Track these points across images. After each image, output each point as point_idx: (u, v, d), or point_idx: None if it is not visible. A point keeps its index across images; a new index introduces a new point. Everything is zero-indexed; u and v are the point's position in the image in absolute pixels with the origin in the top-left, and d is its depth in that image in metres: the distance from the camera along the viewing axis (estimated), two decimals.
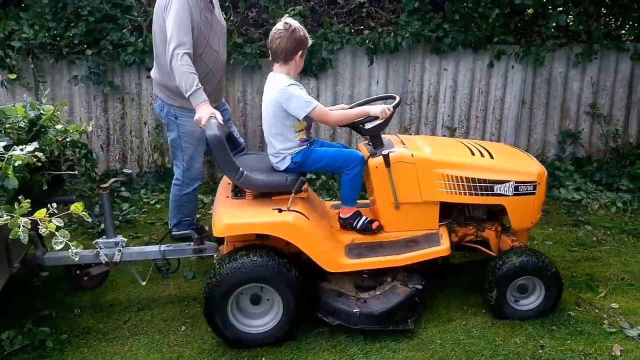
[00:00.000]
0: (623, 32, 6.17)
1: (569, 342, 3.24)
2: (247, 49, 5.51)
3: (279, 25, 3.27)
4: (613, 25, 6.15)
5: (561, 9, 5.87)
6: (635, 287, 3.87)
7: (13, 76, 3.88)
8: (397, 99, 3.57)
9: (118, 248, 3.48)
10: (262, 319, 3.28)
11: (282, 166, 3.39)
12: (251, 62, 5.58)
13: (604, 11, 6.22)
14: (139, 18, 5.52)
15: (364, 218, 3.51)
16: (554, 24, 5.76)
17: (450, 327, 3.39)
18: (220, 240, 3.57)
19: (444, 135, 6.08)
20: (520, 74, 6.03)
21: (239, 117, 5.91)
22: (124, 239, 3.53)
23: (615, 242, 4.57)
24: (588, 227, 4.84)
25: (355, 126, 3.54)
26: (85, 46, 5.50)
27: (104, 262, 3.48)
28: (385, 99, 3.91)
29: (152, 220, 5.02)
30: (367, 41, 5.66)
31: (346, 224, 3.54)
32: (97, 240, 3.50)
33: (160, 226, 4.94)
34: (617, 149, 6.26)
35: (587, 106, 6.20)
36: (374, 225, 3.49)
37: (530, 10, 5.81)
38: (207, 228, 3.79)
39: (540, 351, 3.17)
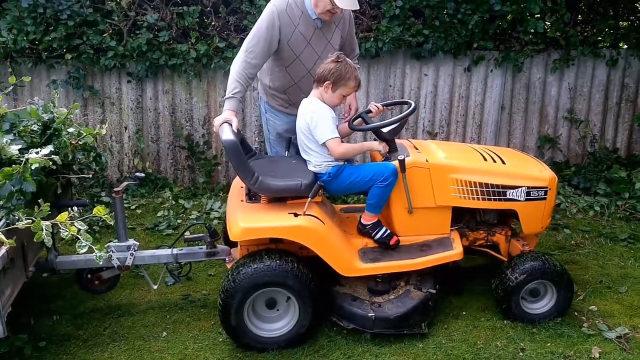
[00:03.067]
0: (599, 38, 6.28)
1: (549, 344, 3.28)
2: (228, 53, 5.50)
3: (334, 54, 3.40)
4: (589, 32, 6.26)
5: (539, 15, 5.96)
6: (613, 290, 3.93)
7: (27, 79, 3.84)
8: (412, 105, 3.57)
9: (130, 252, 3.46)
10: (278, 323, 3.29)
11: (318, 171, 3.43)
12: None
13: (581, 18, 6.33)
14: (119, 23, 5.47)
15: (383, 230, 3.47)
16: (532, 31, 5.84)
17: (432, 331, 3.42)
18: (230, 243, 3.59)
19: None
20: (500, 79, 6.10)
21: None
22: (136, 242, 3.52)
23: (593, 246, 4.64)
24: (567, 231, 4.91)
25: (374, 129, 3.55)
26: (64, 50, 5.45)
27: (116, 266, 3.45)
28: (400, 104, 3.99)
29: (132, 226, 4.97)
30: None
31: (365, 232, 3.51)
32: (109, 243, 3.47)
33: (141, 231, 4.90)
34: (594, 153, 6.36)
35: (565, 111, 6.29)
36: (392, 241, 3.46)
37: (509, 17, 5.89)
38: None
39: (521, 354, 3.20)
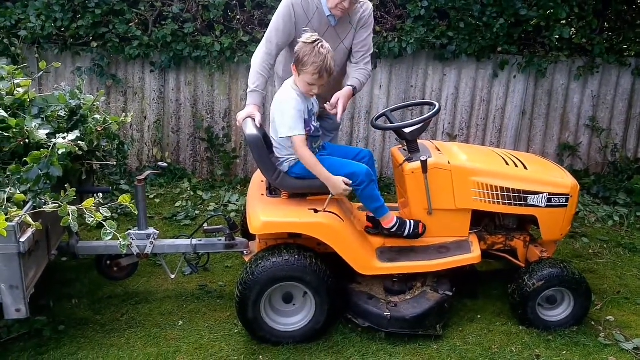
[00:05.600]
0: (625, 47, 6.22)
1: (564, 352, 3.27)
2: (252, 47, 5.51)
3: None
4: (615, 40, 6.20)
5: (565, 22, 5.92)
6: (631, 301, 3.90)
7: (58, 65, 3.94)
8: (437, 106, 3.54)
9: (150, 240, 3.49)
10: (294, 317, 3.31)
11: (284, 170, 3.33)
12: None
13: (607, 26, 6.27)
14: (145, 13, 5.52)
15: (408, 224, 3.43)
16: (557, 36, 5.80)
17: (447, 333, 3.41)
18: (248, 236, 3.62)
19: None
20: (522, 84, 6.07)
21: None
22: (156, 231, 3.54)
23: (612, 256, 4.60)
24: (585, 240, 4.87)
25: (397, 130, 3.55)
26: (90, 38, 5.50)
27: (135, 253, 3.49)
28: (422, 104, 3.94)
29: (150, 215, 5.00)
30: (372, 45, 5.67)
31: (392, 234, 3.44)
32: (129, 231, 3.49)
33: (159, 221, 4.94)
34: (615, 163, 6.31)
35: (587, 119, 6.25)
36: (420, 229, 3.44)
37: (533, 22, 5.85)
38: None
39: None
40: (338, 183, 3.18)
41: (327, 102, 3.55)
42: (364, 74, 3.81)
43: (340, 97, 3.56)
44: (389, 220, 3.43)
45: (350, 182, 3.21)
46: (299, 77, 3.17)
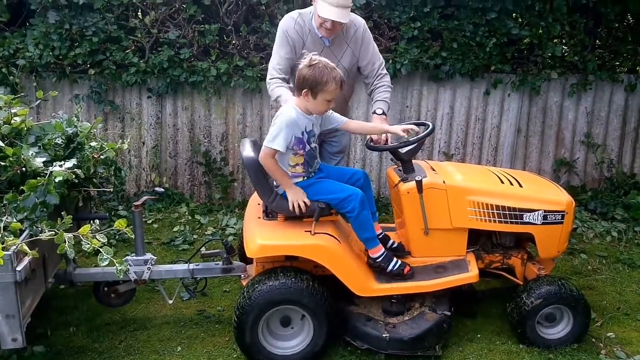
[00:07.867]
0: (617, 63, 6.28)
1: None
2: (248, 72, 5.57)
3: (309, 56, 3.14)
4: (607, 56, 6.26)
5: (557, 40, 5.98)
6: (631, 317, 3.88)
7: (55, 93, 3.97)
8: (430, 126, 3.55)
9: (147, 266, 3.49)
10: (292, 341, 3.29)
11: (280, 192, 3.33)
12: (251, 85, 5.64)
13: (599, 43, 6.34)
14: (142, 40, 5.58)
15: (394, 261, 3.35)
16: (549, 54, 5.87)
17: (446, 354, 3.40)
18: (246, 260, 3.62)
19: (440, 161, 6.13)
20: (516, 102, 6.11)
21: (237, 140, 5.95)
22: (153, 257, 3.54)
23: (611, 272, 4.59)
24: (583, 256, 4.87)
25: (392, 150, 3.58)
26: (88, 66, 5.56)
27: (132, 279, 3.48)
28: (416, 125, 3.94)
29: (148, 240, 5.00)
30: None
31: (376, 266, 3.36)
32: (126, 257, 3.49)
33: (157, 246, 4.93)
34: (611, 178, 6.33)
35: (582, 135, 6.28)
36: (406, 270, 3.36)
37: (525, 40, 5.91)
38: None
39: None
40: (295, 196, 3.18)
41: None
42: (385, 91, 3.89)
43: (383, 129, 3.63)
44: (376, 249, 3.36)
45: (309, 204, 3.18)
46: (317, 100, 3.12)
